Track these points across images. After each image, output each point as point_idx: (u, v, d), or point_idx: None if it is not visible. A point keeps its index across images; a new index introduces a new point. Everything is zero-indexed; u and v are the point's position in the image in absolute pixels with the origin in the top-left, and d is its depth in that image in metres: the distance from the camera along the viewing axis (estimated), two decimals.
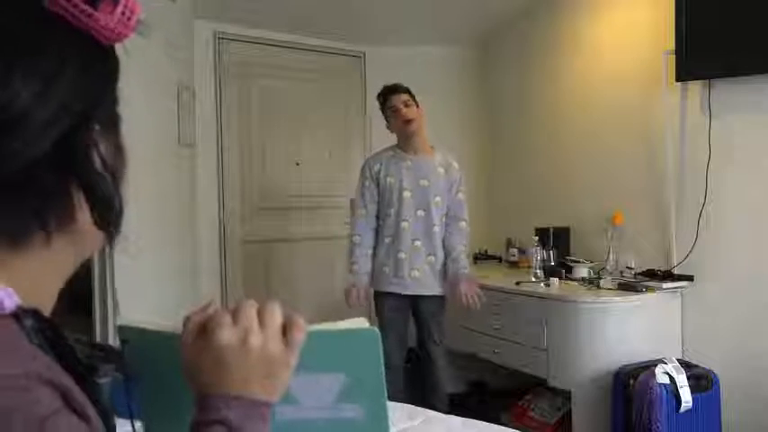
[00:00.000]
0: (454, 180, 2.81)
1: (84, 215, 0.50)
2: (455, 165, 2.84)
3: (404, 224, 2.73)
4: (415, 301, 2.79)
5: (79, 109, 0.48)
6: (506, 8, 3.68)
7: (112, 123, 0.54)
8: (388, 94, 2.80)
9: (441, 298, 2.81)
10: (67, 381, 0.44)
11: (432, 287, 2.77)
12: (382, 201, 2.78)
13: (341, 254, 4.17)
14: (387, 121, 2.85)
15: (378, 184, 2.79)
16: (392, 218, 2.75)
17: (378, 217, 2.81)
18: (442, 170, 2.79)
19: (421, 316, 2.82)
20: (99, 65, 0.51)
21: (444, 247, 2.78)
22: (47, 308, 0.51)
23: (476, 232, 4.17)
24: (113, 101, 0.54)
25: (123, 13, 0.48)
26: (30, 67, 0.45)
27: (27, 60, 0.46)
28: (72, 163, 0.48)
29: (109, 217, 0.52)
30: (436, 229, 2.75)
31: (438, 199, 2.75)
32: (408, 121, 2.73)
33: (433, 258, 2.76)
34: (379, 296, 2.82)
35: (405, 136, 2.78)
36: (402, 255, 2.73)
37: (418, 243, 2.74)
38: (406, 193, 2.73)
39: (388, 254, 2.76)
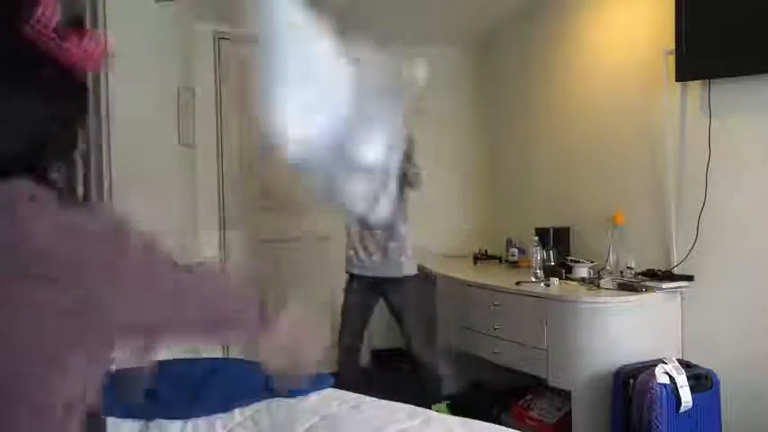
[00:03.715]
0: None
1: None
2: None
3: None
4: (381, 289, 2.90)
5: (45, 126, 0.58)
6: (506, 8, 3.68)
7: (74, 141, 0.64)
8: None
9: (410, 282, 2.88)
10: None
11: (392, 270, 2.87)
12: None
13: (341, 254, 4.16)
14: None
15: None
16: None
17: None
18: None
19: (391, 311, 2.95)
20: (69, 91, 0.61)
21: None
22: None
23: (476, 232, 4.18)
24: (76, 123, 0.64)
25: (88, 45, 0.58)
26: (12, 87, 0.55)
27: (9, 81, 0.55)
28: (42, 162, 0.58)
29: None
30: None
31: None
32: None
33: (393, 244, 2.85)
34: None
35: None
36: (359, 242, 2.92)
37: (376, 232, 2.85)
38: None
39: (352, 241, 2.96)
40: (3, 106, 0.54)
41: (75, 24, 0.57)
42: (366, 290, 2.94)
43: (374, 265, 2.88)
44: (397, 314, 2.93)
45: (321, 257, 4.04)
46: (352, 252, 2.94)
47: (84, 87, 0.64)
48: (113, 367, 0.64)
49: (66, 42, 0.55)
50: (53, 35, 0.54)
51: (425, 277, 3.05)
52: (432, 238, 4.03)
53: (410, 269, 2.90)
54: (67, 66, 0.57)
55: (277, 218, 3.94)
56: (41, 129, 0.57)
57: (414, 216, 3.14)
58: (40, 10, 0.53)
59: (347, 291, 3.01)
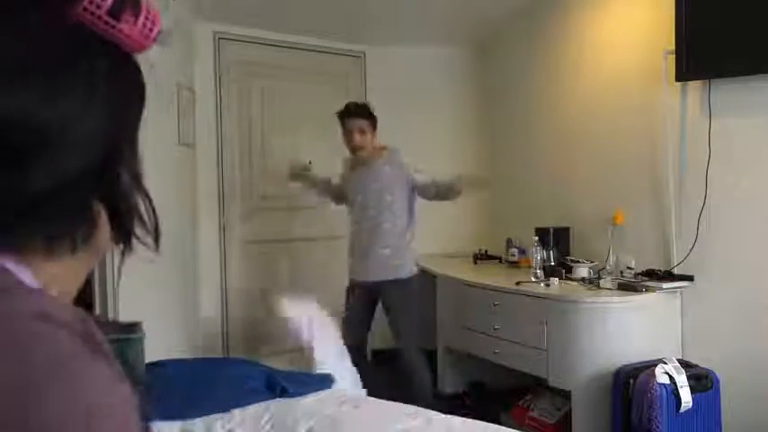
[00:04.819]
0: (402, 168, 2.92)
1: (104, 228, 0.51)
2: (399, 158, 2.95)
3: (355, 227, 3.02)
4: (377, 290, 2.95)
5: (114, 123, 0.49)
6: (506, 8, 3.68)
7: (137, 135, 0.54)
8: (345, 116, 2.95)
9: (402, 284, 2.91)
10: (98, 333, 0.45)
11: (387, 273, 2.92)
12: (347, 198, 3.10)
13: (341, 254, 4.16)
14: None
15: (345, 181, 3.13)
16: (352, 218, 3.06)
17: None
18: (387, 168, 2.92)
19: (385, 309, 2.98)
20: (129, 76, 0.52)
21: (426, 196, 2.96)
22: None
23: (476, 232, 4.19)
24: (140, 112, 0.54)
25: (144, 25, 0.49)
26: (67, 83, 0.46)
27: (63, 75, 0.46)
28: (104, 178, 0.49)
29: (132, 229, 0.53)
30: (387, 225, 2.89)
31: (389, 198, 2.90)
32: (358, 148, 2.94)
33: (387, 251, 2.91)
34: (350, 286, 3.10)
35: (354, 154, 3.01)
36: (357, 252, 3.02)
37: (371, 237, 2.92)
38: (359, 197, 2.97)
39: (352, 249, 3.07)
40: (65, 108, 0.45)
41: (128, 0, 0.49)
42: (364, 294, 2.99)
43: (366, 271, 2.95)
44: (388, 316, 2.97)
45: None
46: (351, 260, 3.08)
47: (138, 69, 0.54)
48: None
49: (120, 24, 0.48)
50: (108, 18, 0.47)
51: (423, 280, 3.07)
52: (432, 237, 4.03)
53: (404, 272, 2.93)
54: (124, 50, 0.50)
55: (278, 218, 3.95)
56: (108, 127, 0.48)
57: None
58: None
59: (348, 295, 3.09)
